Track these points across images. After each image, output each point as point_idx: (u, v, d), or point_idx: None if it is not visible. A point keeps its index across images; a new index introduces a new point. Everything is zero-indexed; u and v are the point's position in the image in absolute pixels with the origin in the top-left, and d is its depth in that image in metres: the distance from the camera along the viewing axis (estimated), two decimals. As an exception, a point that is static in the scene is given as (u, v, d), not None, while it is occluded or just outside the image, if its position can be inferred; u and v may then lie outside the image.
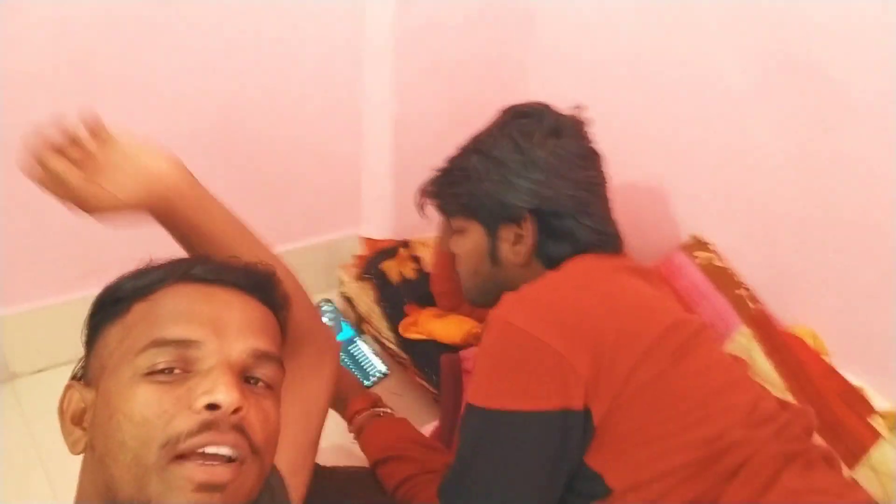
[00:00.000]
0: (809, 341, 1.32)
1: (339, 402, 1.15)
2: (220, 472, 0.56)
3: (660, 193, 1.58)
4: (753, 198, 1.41)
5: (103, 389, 0.60)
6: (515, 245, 1.04)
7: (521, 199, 1.01)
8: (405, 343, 1.50)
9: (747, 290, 1.41)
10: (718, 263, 1.45)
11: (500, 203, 1.02)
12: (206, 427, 0.56)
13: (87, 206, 0.72)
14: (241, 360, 0.61)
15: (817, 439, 1.05)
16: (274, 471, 0.77)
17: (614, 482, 0.86)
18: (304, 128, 1.71)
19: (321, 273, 1.88)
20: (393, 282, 1.62)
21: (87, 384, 0.63)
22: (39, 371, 1.54)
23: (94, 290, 0.71)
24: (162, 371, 0.58)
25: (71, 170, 0.70)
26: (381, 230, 1.83)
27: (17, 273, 1.47)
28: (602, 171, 1.06)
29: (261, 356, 0.64)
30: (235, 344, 0.62)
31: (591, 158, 1.04)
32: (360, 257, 1.75)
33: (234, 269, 0.69)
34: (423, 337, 1.48)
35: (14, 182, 1.37)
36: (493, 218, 1.05)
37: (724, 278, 1.43)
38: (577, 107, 1.07)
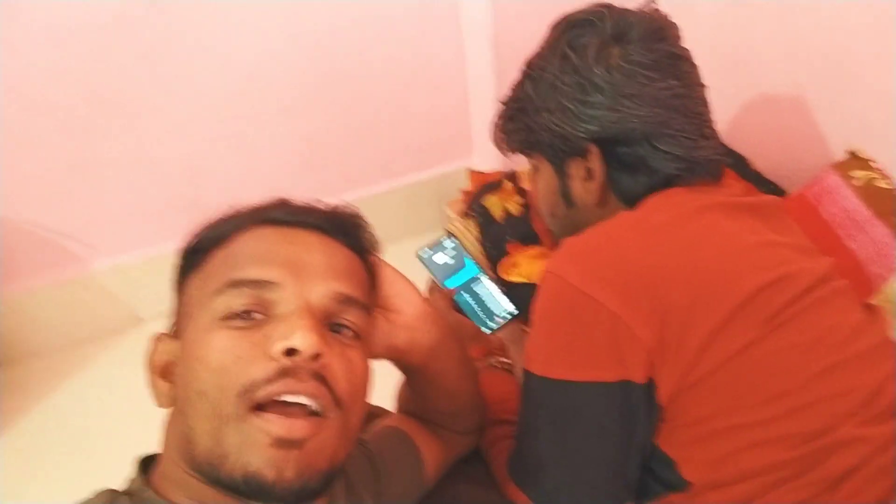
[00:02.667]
0: None
1: None
2: (300, 426, 0.52)
3: (808, 102, 1.32)
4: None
5: (185, 338, 0.58)
6: (587, 182, 0.88)
7: (582, 128, 0.83)
8: (504, 285, 1.39)
9: (921, 216, 1.14)
10: (882, 184, 1.18)
11: (560, 135, 0.86)
12: (283, 374, 0.53)
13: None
14: (322, 304, 0.58)
15: None
16: (411, 443, 0.79)
17: (691, 474, 0.73)
18: (406, 59, 1.64)
19: (432, 209, 1.81)
20: (496, 218, 1.51)
21: (175, 336, 0.62)
22: (165, 316, 1.62)
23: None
24: (239, 315, 0.55)
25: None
26: (491, 161, 1.71)
27: (137, 220, 1.54)
28: (688, 80, 0.84)
29: (344, 300, 0.59)
30: (316, 287, 0.58)
31: (669, 66, 0.82)
32: (465, 192, 1.64)
33: (315, 211, 0.66)
34: (524, 279, 1.36)
35: (126, 139, 1.45)
36: (557, 153, 0.89)
37: (888, 203, 1.16)
38: (652, 1, 0.86)
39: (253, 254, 0.59)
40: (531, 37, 0.94)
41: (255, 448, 0.51)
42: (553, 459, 0.76)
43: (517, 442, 0.83)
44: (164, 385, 0.60)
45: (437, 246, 1.35)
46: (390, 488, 0.75)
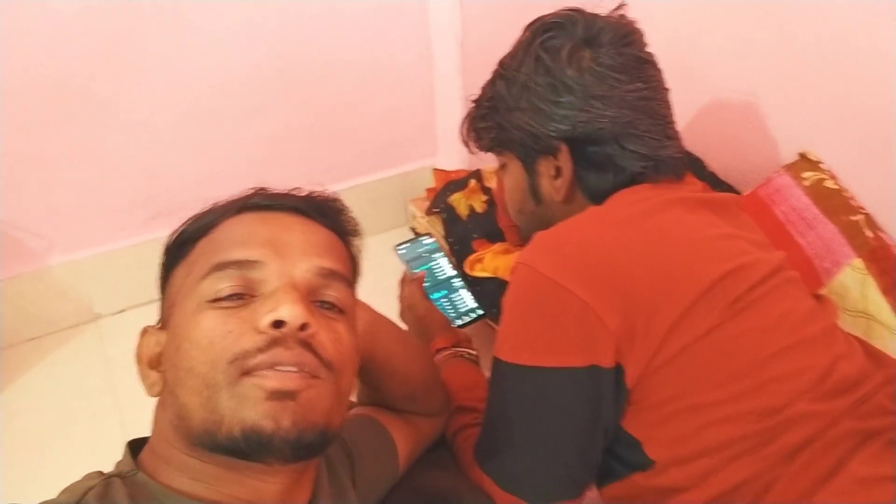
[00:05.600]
0: (939, 276, 1.10)
1: (426, 338, 1.10)
2: (292, 377, 0.54)
3: (761, 107, 1.36)
4: (874, 105, 1.16)
5: (173, 325, 0.59)
6: (556, 179, 0.90)
7: (553, 128, 0.86)
8: (469, 281, 1.41)
9: (864, 214, 1.19)
10: (830, 185, 1.23)
11: (531, 134, 0.88)
12: (272, 344, 0.54)
13: None
14: (306, 279, 0.59)
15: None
16: (383, 429, 0.81)
17: (655, 453, 0.75)
18: (372, 58, 1.64)
19: (395, 207, 1.82)
20: (461, 216, 1.53)
21: (162, 328, 0.63)
22: (121, 311, 1.59)
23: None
24: (227, 297, 0.57)
25: None
26: (455, 161, 1.73)
27: (95, 216, 1.52)
28: (654, 83, 0.88)
29: (327, 275, 0.61)
30: (299, 263, 0.59)
31: (636, 69, 0.85)
32: (430, 190, 1.66)
33: (293, 195, 0.68)
34: (488, 274, 1.38)
35: (86, 134, 1.42)
36: (527, 151, 0.91)
37: (835, 202, 1.22)
38: (620, 5, 0.89)
39: (235, 237, 0.60)
40: (498, 37, 0.96)
41: (251, 403, 0.52)
42: (519, 444, 0.78)
43: (484, 428, 0.84)
44: (153, 374, 0.60)
45: (414, 242, 1.37)
46: (365, 473, 0.76)
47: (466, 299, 1.33)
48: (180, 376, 0.55)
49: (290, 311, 0.54)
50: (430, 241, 1.38)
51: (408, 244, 1.35)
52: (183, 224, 0.65)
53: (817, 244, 1.19)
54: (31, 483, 1.21)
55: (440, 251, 1.36)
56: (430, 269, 1.34)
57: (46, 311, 1.57)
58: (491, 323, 1.38)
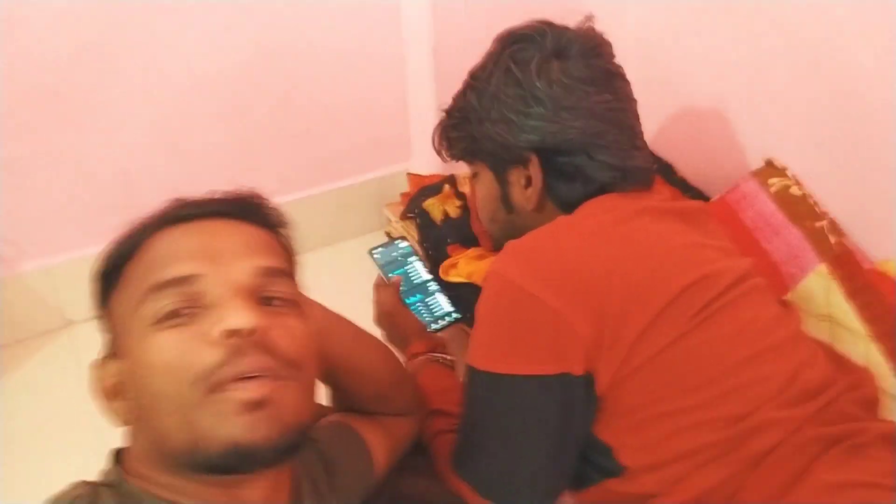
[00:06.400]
0: (900, 280, 1.13)
1: (402, 343, 1.10)
2: (260, 385, 0.54)
3: (729, 114, 1.39)
4: (839, 113, 1.19)
5: (127, 354, 0.58)
6: (526, 189, 0.92)
7: (523, 139, 0.87)
8: (445, 286, 1.41)
9: (829, 221, 1.22)
10: (796, 191, 1.26)
11: (502, 144, 0.89)
12: (231, 355, 0.54)
13: None
14: (247, 281, 0.59)
15: (887, 410, 0.88)
16: (356, 434, 0.81)
17: (627, 459, 0.77)
18: (345, 63, 1.64)
19: (370, 211, 1.82)
20: (436, 221, 1.53)
21: (115, 356, 0.62)
22: (94, 318, 1.57)
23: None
24: (170, 315, 0.56)
25: None
26: (430, 166, 1.73)
27: (66, 222, 1.50)
28: (622, 95, 0.90)
29: (267, 272, 0.61)
30: (236, 267, 0.59)
31: (605, 81, 0.87)
32: (405, 195, 1.66)
33: (214, 200, 0.66)
34: (463, 279, 1.39)
35: (59, 138, 1.41)
36: (498, 161, 0.92)
37: (801, 208, 1.24)
38: (588, 17, 0.90)
39: (166, 254, 0.59)
40: (471, 44, 0.97)
41: (226, 419, 0.52)
42: (493, 451, 0.79)
43: (460, 434, 0.85)
44: (118, 404, 0.60)
45: (389, 245, 1.37)
46: (342, 481, 0.76)
47: (442, 303, 1.34)
48: (148, 403, 0.55)
49: (240, 318, 0.54)
50: (404, 244, 1.39)
51: (382, 248, 1.36)
52: (105, 250, 0.64)
53: (783, 250, 1.22)
54: (5, 489, 1.19)
55: (415, 255, 1.37)
56: (406, 273, 1.34)
57: (18, 318, 1.55)
58: (465, 328, 1.39)
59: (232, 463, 0.53)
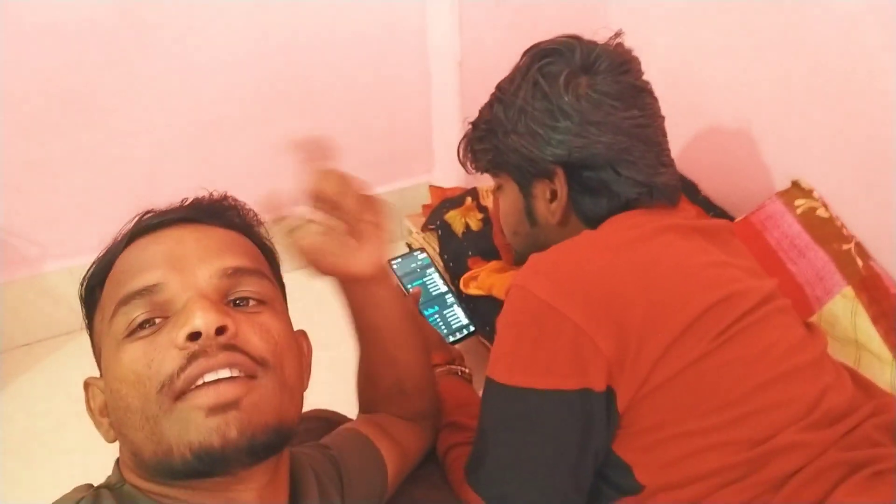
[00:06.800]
0: (929, 306, 1.11)
1: None
2: (228, 387, 0.53)
3: (755, 134, 1.37)
4: (866, 135, 1.18)
5: (103, 370, 0.59)
6: (551, 202, 0.91)
7: (549, 152, 0.87)
8: (465, 299, 1.41)
9: (856, 244, 1.21)
10: (822, 213, 1.25)
11: (528, 158, 0.89)
12: (193, 357, 0.53)
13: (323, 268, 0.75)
14: (213, 284, 0.58)
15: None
16: (373, 446, 0.81)
17: (645, 478, 0.75)
18: (372, 75, 1.66)
19: (391, 222, 1.83)
20: (457, 233, 1.53)
21: (102, 376, 0.62)
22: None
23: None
24: (140, 326, 0.56)
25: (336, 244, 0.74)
26: (452, 178, 1.74)
27: (91, 223, 1.51)
28: (650, 111, 0.89)
29: (234, 273, 0.60)
30: (200, 271, 0.58)
31: (632, 97, 0.87)
32: (426, 206, 1.67)
33: (179, 206, 0.67)
34: (483, 292, 1.38)
35: (86, 141, 1.43)
36: (524, 174, 0.92)
37: (827, 230, 1.23)
38: (617, 34, 0.90)
39: (132, 267, 0.59)
40: (496, 59, 0.98)
41: (194, 424, 0.51)
42: (510, 465, 0.78)
43: (475, 447, 0.84)
44: (105, 422, 0.60)
45: (408, 256, 1.37)
46: (354, 490, 0.76)
47: (459, 315, 1.34)
48: (121, 417, 0.55)
49: (202, 319, 0.53)
50: (423, 256, 1.39)
51: (401, 258, 1.36)
52: (88, 270, 0.65)
53: (808, 272, 1.20)
54: (23, 488, 1.21)
55: (433, 266, 1.37)
56: (424, 285, 1.34)
57: (41, 318, 1.57)
58: (484, 341, 1.38)
59: (204, 467, 0.52)
